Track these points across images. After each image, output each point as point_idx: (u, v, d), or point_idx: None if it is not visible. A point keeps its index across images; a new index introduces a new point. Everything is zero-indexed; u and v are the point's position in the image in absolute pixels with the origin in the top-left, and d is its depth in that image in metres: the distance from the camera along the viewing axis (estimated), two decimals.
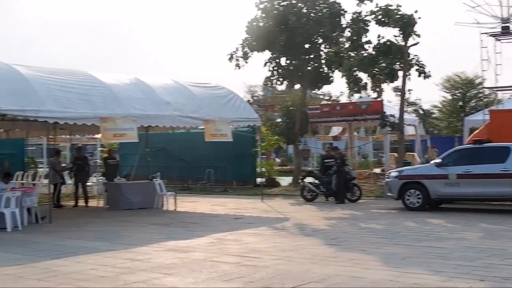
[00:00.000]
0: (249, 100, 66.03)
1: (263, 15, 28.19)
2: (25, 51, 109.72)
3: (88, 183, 23.12)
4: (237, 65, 28.72)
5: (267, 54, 28.77)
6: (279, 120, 32.70)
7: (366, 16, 25.85)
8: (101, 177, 24.68)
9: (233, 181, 29.51)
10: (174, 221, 17.14)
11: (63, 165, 23.03)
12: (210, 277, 9.50)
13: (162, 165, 26.41)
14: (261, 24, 28.27)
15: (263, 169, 29.74)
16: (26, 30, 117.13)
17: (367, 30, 25.91)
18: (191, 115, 19.92)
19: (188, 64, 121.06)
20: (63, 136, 27.79)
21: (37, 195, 17.45)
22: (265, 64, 28.94)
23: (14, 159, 29.21)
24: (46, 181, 24.20)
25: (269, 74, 29.19)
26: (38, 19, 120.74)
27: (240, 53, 28.59)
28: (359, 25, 26.05)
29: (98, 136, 29.67)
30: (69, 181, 23.66)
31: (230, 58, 28.68)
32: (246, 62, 28.72)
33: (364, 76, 25.71)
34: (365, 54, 25.49)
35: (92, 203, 22.04)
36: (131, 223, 16.69)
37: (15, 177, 24.66)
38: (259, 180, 28.45)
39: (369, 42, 25.81)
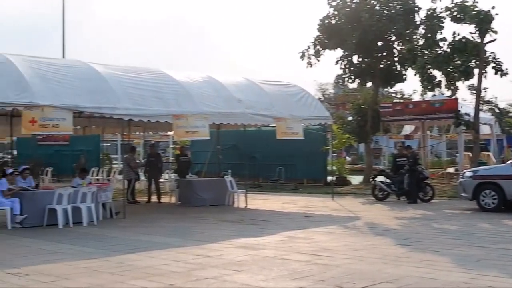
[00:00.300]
0: (320, 98, 65.73)
1: (335, 12, 28.02)
2: (102, 49, 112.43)
3: (160, 180, 23.48)
4: (309, 63, 28.69)
5: (339, 52, 28.64)
6: (350, 118, 32.41)
7: (441, 12, 25.27)
8: (173, 174, 25.01)
9: (303, 179, 29.47)
10: (245, 218, 17.22)
11: (137, 161, 23.45)
12: (281, 275, 9.51)
13: (233, 163, 26.56)
14: (333, 21, 28.11)
15: (334, 168, 29.56)
16: (103, 29, 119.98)
17: (442, 27, 25.33)
18: (263, 113, 19.97)
19: (259, 62, 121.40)
20: (137, 133, 28.32)
21: (112, 190, 17.84)
22: (336, 62, 28.77)
23: (89, 155, 30.06)
24: (120, 177, 24.75)
25: (340, 72, 29.05)
26: (113, 18, 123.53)
27: (311, 51, 28.54)
28: (433, 22, 25.48)
29: (171, 133, 30.09)
30: (142, 177, 24.07)
31: (302, 56, 28.64)
32: (318, 60, 28.67)
33: (438, 74, 25.21)
34: (440, 52, 24.95)
35: (165, 199, 22.39)
36: (203, 220, 16.87)
37: (90, 173, 25.33)
38: (329, 178, 28.33)
39: (444, 39, 25.23)
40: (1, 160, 33.63)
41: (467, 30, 24.90)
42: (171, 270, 9.86)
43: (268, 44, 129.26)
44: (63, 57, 36.90)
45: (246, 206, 20.35)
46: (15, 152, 29.95)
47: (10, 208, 14.95)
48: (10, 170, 16.40)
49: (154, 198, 22.17)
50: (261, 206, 20.73)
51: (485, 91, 26.29)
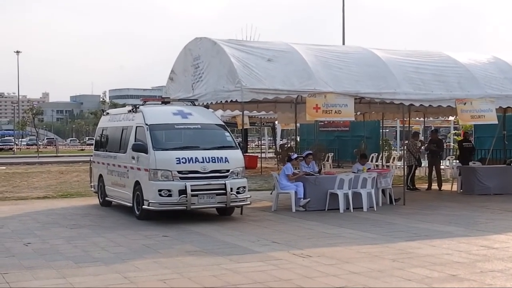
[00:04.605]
0: None
1: None
2: (378, 37, 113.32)
3: (441, 166, 22.80)
4: None
5: None
6: None
7: None
8: (455, 161, 24.20)
9: None
10: None
11: (420, 147, 22.73)
12: None
13: None
14: None
15: None
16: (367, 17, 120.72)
17: None
18: None
19: None
20: (416, 118, 27.84)
21: (392, 176, 17.73)
22: None
23: (369, 141, 30.35)
24: (399, 163, 24.57)
25: None
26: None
27: None
28: None
29: (452, 118, 29.16)
30: (423, 163, 23.59)
31: None
32: None
33: None
34: None
35: (445, 186, 21.70)
36: (487, 209, 16.03)
37: (369, 159, 25.50)
38: None
39: None
40: (286, 146, 35.34)
41: None
42: (454, 260, 9.52)
43: None
44: (343, 43, 37.67)
45: None
46: (297, 138, 31.33)
47: (294, 191, 15.60)
48: (295, 155, 17.04)
49: (434, 185, 21.63)
50: None
51: None
